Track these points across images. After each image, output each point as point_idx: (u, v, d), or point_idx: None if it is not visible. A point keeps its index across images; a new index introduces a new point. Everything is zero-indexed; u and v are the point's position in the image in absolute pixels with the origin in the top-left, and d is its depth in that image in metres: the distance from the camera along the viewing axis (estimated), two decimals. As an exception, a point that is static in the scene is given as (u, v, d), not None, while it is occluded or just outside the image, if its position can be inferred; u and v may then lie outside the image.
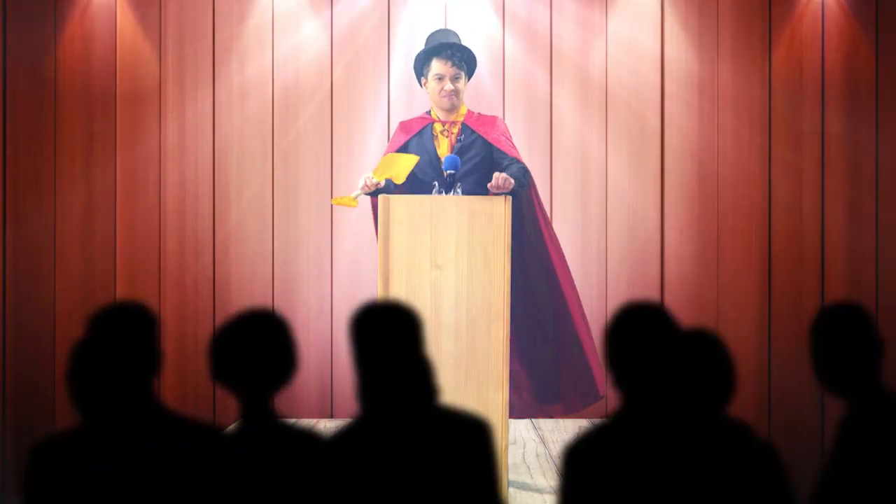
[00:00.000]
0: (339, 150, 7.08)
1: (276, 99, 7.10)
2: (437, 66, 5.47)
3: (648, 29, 7.10)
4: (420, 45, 6.94)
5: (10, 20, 7.04)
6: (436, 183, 5.25)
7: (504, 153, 5.43)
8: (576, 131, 7.08)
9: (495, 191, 5.07)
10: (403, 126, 5.64)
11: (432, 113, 5.58)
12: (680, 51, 7.09)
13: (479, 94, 6.99)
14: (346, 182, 7.04)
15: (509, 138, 5.57)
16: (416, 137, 5.51)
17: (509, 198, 4.92)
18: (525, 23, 7.09)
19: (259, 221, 7.08)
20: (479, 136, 5.48)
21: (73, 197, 7.03)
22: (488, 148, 5.46)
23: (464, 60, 5.48)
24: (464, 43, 5.60)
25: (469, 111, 5.58)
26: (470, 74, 5.56)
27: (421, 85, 5.59)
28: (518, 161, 5.39)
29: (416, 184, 5.42)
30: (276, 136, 7.10)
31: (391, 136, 5.66)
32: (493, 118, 5.61)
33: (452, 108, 5.51)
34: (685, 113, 7.08)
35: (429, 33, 5.68)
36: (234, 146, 7.09)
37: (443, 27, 5.93)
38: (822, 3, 7.05)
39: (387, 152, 5.55)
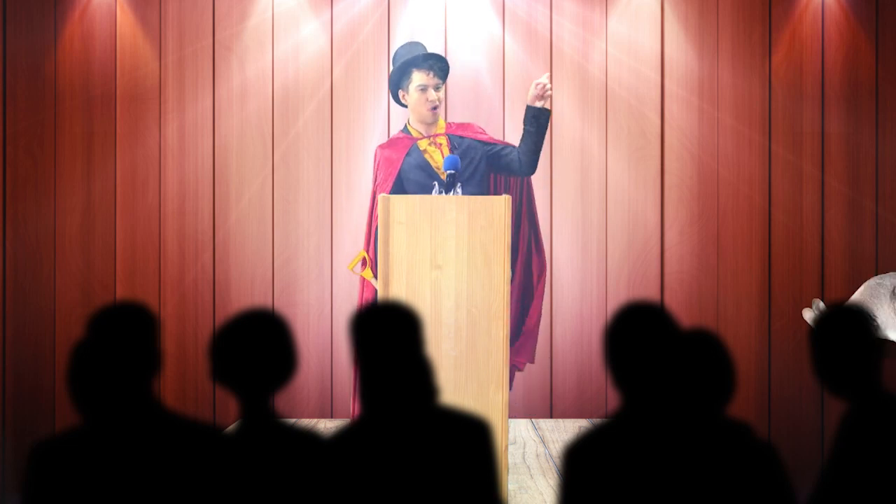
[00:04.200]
0: (339, 150, 7.08)
1: (276, 99, 7.10)
2: (419, 77, 5.45)
3: (648, 29, 7.10)
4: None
5: (10, 20, 7.04)
6: (435, 183, 5.25)
7: (497, 142, 5.51)
8: (576, 131, 7.08)
9: (535, 102, 5.34)
10: (389, 148, 5.54)
11: (410, 130, 5.53)
12: (680, 51, 7.09)
13: (480, 95, 6.99)
14: (346, 182, 7.04)
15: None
16: (406, 158, 5.48)
17: (509, 198, 4.92)
18: (525, 23, 7.09)
19: (259, 221, 7.08)
20: (469, 139, 5.50)
21: (73, 197, 7.02)
22: (482, 149, 5.49)
23: (442, 70, 5.49)
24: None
25: (447, 123, 5.60)
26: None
27: (397, 99, 5.53)
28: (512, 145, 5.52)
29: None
30: (276, 136, 7.10)
31: (377, 159, 5.55)
32: (470, 124, 5.67)
33: (435, 121, 5.50)
34: (685, 113, 7.08)
35: (398, 48, 5.64)
36: (234, 146, 7.09)
37: (409, 41, 5.88)
38: (822, 3, 7.05)
39: (379, 181, 5.49)
